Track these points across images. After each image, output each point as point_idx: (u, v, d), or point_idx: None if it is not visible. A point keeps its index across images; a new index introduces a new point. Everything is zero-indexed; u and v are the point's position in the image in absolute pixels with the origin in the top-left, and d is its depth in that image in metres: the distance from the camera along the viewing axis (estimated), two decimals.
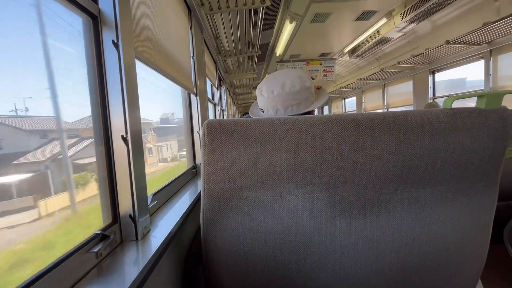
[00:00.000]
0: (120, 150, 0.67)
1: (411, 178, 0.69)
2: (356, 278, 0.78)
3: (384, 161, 0.65)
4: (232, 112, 5.59)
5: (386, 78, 5.46)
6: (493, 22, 2.53)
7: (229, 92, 5.16)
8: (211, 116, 2.27)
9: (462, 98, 0.72)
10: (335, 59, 5.31)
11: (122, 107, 0.66)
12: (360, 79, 5.62)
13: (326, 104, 1.16)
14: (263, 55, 4.57)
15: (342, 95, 8.05)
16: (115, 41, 0.66)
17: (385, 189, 0.70)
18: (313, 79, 5.38)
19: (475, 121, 0.65)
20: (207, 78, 2.20)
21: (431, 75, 4.32)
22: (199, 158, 1.74)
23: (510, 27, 2.58)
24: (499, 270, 1.48)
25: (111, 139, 0.67)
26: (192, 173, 1.59)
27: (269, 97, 0.89)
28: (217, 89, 3.24)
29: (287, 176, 0.66)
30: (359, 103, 6.97)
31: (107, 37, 0.66)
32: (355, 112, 7.93)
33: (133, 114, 0.69)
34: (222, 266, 0.73)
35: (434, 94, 4.37)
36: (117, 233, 0.67)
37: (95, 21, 0.65)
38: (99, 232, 0.60)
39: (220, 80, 3.52)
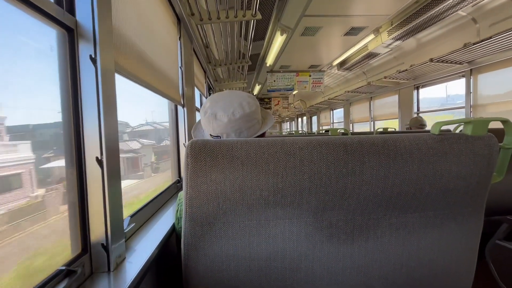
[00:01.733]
0: (93, 172, 0.62)
1: (399, 204, 0.67)
2: None
3: (373, 186, 0.63)
4: None
5: (373, 92, 5.61)
6: (473, 44, 2.65)
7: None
8: None
9: (448, 124, 0.72)
10: (324, 71, 5.42)
11: (97, 126, 0.61)
12: (348, 91, 5.74)
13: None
14: (254, 64, 4.59)
15: (331, 106, 8.19)
16: (93, 56, 0.61)
17: (374, 214, 0.69)
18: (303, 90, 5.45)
19: (462, 147, 0.65)
20: (195, 88, 2.16)
21: (416, 90, 4.47)
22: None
23: (488, 48, 2.71)
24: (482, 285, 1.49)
25: (84, 161, 0.61)
26: (176, 187, 1.53)
27: (230, 121, 0.80)
28: (206, 98, 3.20)
29: (274, 200, 0.63)
30: (347, 114, 7.11)
31: (84, 51, 0.61)
32: (342, 123, 8.10)
33: (110, 132, 0.64)
34: None
35: (418, 109, 4.52)
36: (86, 265, 0.61)
37: (70, 34, 0.60)
38: (63, 268, 0.53)
39: (209, 88, 3.49)
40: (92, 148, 0.61)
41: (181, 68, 1.64)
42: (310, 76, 5.36)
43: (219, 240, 0.66)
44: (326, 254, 0.71)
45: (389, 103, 5.35)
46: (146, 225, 0.97)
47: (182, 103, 1.63)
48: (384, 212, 0.69)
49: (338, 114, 8.08)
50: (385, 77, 4.25)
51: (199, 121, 0.93)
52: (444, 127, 0.69)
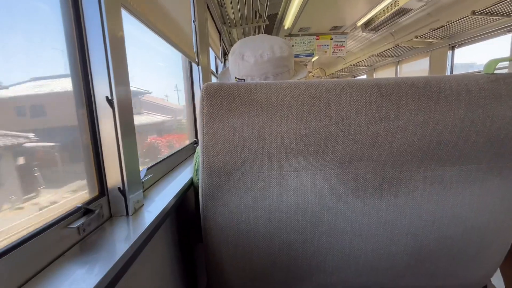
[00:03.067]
0: (105, 113, 0.59)
1: (437, 155, 0.60)
2: (366, 261, 0.73)
3: (409, 133, 0.56)
4: None
5: (401, 55, 5.16)
6: None
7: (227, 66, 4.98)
8: None
9: (506, 61, 0.61)
10: (347, 33, 5.00)
11: (105, 63, 0.57)
12: (373, 55, 5.33)
13: None
14: (271, 27, 4.31)
15: (352, 73, 7.73)
16: None
17: (407, 166, 0.62)
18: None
19: None
20: (210, 49, 2.06)
21: (450, 51, 4.04)
22: None
23: None
24: None
25: (94, 101, 0.58)
26: (193, 148, 1.52)
27: (257, 63, 0.75)
28: (222, 62, 3.08)
29: (296, 149, 0.57)
30: None
31: None
32: None
33: (119, 71, 0.59)
34: (222, 244, 0.69)
35: (452, 72, 4.12)
36: (104, 207, 0.60)
37: None
38: (80, 205, 0.53)
39: (225, 53, 3.35)
40: (102, 86, 0.57)
41: (194, 23, 1.53)
42: (331, 39, 4.98)
43: (237, 190, 0.63)
44: (351, 208, 0.66)
45: (418, 67, 4.93)
46: (163, 179, 0.97)
47: (197, 61, 1.55)
48: (419, 164, 0.62)
49: None
50: (416, 37, 3.85)
51: (226, 67, 0.89)
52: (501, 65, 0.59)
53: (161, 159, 1.04)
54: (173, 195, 0.76)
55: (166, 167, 1.05)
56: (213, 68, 2.33)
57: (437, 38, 3.91)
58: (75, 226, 0.49)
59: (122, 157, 0.60)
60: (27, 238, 0.41)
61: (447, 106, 0.54)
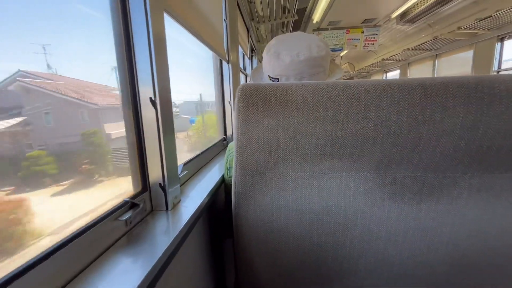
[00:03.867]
0: (148, 113, 0.62)
1: (487, 161, 0.55)
2: (401, 268, 0.70)
3: (455, 138, 0.52)
4: None
5: (439, 48, 4.79)
6: None
7: (260, 63, 4.97)
8: None
9: None
10: (379, 26, 4.74)
11: (149, 66, 0.60)
12: (408, 49, 5.01)
13: None
14: (299, 22, 4.22)
15: (384, 68, 7.34)
16: None
17: (451, 171, 0.58)
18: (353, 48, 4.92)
19: None
20: (239, 46, 2.07)
21: (499, 43, 3.66)
22: (230, 130, 1.69)
23: None
24: None
25: (138, 102, 0.61)
26: (222, 145, 1.55)
27: (292, 62, 0.73)
28: (249, 59, 3.09)
29: (331, 151, 0.56)
30: (404, 76, 6.32)
31: None
32: None
33: (161, 72, 0.62)
34: (252, 242, 0.70)
35: (499, 66, 3.74)
36: (147, 202, 0.64)
37: None
38: (128, 200, 0.57)
39: (252, 50, 3.35)
40: (146, 89, 0.61)
41: (225, 21, 1.55)
42: (362, 32, 4.76)
43: (270, 190, 0.63)
44: (387, 213, 0.64)
45: (459, 61, 4.54)
46: (196, 175, 1.00)
47: (227, 59, 1.57)
48: (465, 170, 0.57)
49: (393, 77, 7.23)
50: (458, 28, 3.54)
51: (260, 64, 0.88)
52: None
53: (195, 155, 1.08)
54: (207, 192, 0.79)
55: (198, 164, 1.08)
56: (240, 65, 2.35)
57: (483, 29, 3.57)
58: (123, 218, 0.53)
59: (163, 155, 0.63)
60: (87, 228, 0.46)
61: (501, 109, 0.49)
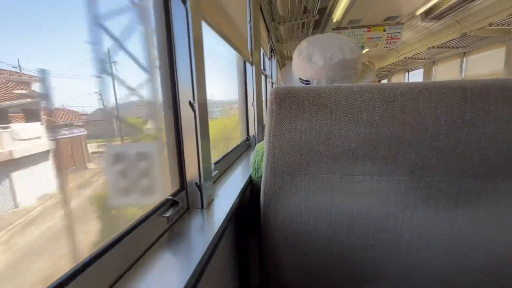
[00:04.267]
0: (187, 116, 0.65)
1: None
2: (434, 274, 0.68)
3: (497, 142, 0.51)
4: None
5: (468, 46, 4.55)
6: None
7: (278, 63, 4.96)
8: (263, 88, 2.19)
9: None
10: (403, 23, 4.58)
11: (189, 71, 0.63)
12: (433, 47, 4.80)
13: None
14: (318, 22, 4.17)
15: (406, 67, 7.07)
16: None
17: (490, 177, 0.56)
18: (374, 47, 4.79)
19: None
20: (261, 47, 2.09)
21: None
22: (252, 131, 1.71)
23: None
24: None
25: (178, 105, 0.65)
26: (245, 145, 1.58)
27: (326, 65, 0.71)
28: (269, 59, 3.10)
29: (364, 153, 0.57)
30: (427, 76, 6.06)
31: None
32: None
33: (200, 79, 0.65)
34: (280, 242, 0.71)
35: None
36: (184, 200, 0.68)
37: None
38: (170, 197, 0.60)
39: (271, 50, 3.36)
40: (185, 92, 0.64)
41: (249, 23, 1.57)
42: (384, 31, 4.62)
43: (299, 191, 0.64)
44: (419, 218, 0.63)
45: (490, 59, 4.30)
46: (224, 175, 1.03)
47: (251, 60, 1.60)
48: (505, 175, 0.56)
49: (416, 76, 6.96)
50: (490, 24, 3.35)
51: (288, 64, 0.88)
52: None
53: (224, 154, 1.11)
54: (238, 192, 0.81)
55: (225, 163, 1.11)
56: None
57: None
58: (166, 215, 0.56)
59: (200, 155, 0.66)
60: (137, 224, 0.49)
61: None
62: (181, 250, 0.51)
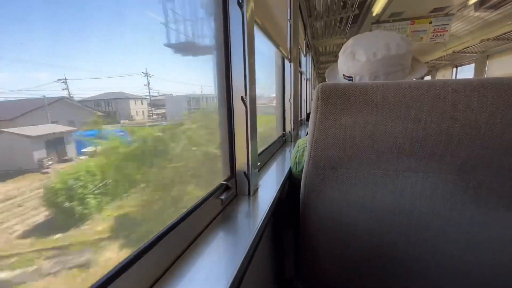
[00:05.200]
0: (239, 110, 0.71)
1: None
2: (481, 276, 0.66)
3: None
4: (314, 83, 5.31)
5: None
6: None
7: (313, 60, 4.88)
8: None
9: None
10: (452, 14, 4.21)
11: (243, 68, 0.68)
12: (487, 39, 4.34)
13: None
14: (357, 16, 4.01)
15: (454, 62, 6.49)
16: (240, 1, 0.66)
17: None
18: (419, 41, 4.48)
19: None
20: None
21: None
22: (289, 127, 1.74)
23: None
24: None
25: (232, 100, 0.71)
26: (282, 141, 1.62)
27: (368, 61, 0.72)
28: (304, 56, 3.08)
29: (410, 150, 0.57)
30: (480, 71, 5.50)
31: None
32: None
33: (251, 76, 0.71)
34: (320, 233, 0.73)
35: None
36: (233, 186, 0.74)
37: None
38: (224, 182, 0.67)
39: (307, 46, 3.33)
40: (239, 88, 0.70)
41: (289, 21, 1.60)
42: (430, 23, 4.29)
43: (340, 185, 0.66)
44: (467, 219, 0.61)
45: None
46: (264, 167, 1.09)
47: (289, 57, 1.62)
48: None
49: (465, 72, 6.35)
50: None
51: (334, 64, 0.90)
52: None
53: (265, 148, 1.17)
54: (280, 183, 0.85)
55: (265, 157, 1.17)
56: None
57: None
58: (222, 198, 0.63)
59: (250, 147, 0.72)
60: (199, 203, 0.56)
61: None
62: (234, 232, 0.55)
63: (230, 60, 0.69)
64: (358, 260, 0.73)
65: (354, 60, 0.76)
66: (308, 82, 3.78)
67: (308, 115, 3.47)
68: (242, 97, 0.70)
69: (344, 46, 0.82)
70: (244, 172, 0.74)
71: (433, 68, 7.68)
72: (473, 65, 5.76)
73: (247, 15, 0.66)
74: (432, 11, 4.18)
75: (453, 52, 5.53)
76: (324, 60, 6.80)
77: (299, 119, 2.20)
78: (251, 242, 0.52)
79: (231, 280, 0.41)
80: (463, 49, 5.16)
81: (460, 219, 0.61)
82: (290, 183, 1.03)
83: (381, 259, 0.71)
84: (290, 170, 1.03)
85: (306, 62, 3.23)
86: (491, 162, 0.54)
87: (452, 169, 0.58)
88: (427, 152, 0.57)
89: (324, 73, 0.92)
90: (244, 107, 0.70)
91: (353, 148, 0.61)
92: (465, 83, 0.51)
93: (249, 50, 0.68)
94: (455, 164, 0.57)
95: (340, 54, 0.83)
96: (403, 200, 0.64)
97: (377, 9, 3.76)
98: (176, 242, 0.48)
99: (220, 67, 0.69)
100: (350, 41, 0.80)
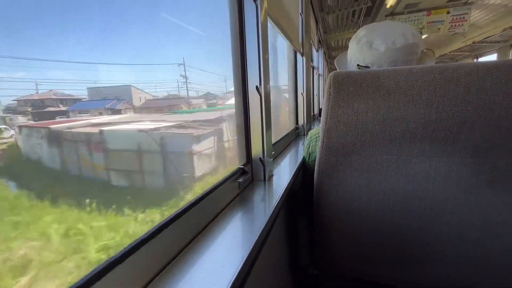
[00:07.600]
0: (254, 100, 0.75)
1: None
2: (500, 260, 0.65)
3: None
4: (325, 78, 5.27)
5: None
6: None
7: (325, 55, 4.83)
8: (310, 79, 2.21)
9: None
10: (472, 2, 4.04)
11: (257, 58, 0.72)
12: (511, 27, 4.13)
13: None
14: (370, 8, 3.93)
15: (474, 53, 6.22)
16: None
17: None
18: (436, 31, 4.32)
19: None
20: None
21: None
22: (301, 120, 1.76)
23: None
24: None
25: (247, 89, 0.75)
26: (294, 134, 1.64)
27: (388, 50, 0.72)
28: (317, 51, 3.07)
29: (422, 134, 0.58)
30: None
31: None
32: None
33: (265, 66, 0.74)
34: (333, 219, 0.74)
35: None
36: (249, 172, 0.78)
37: None
38: (241, 167, 0.71)
39: (319, 41, 3.32)
40: (253, 78, 0.73)
41: (301, 15, 1.62)
42: (448, 13, 4.13)
43: (353, 171, 0.67)
44: (483, 201, 0.61)
45: None
46: (278, 157, 1.12)
47: (302, 51, 1.64)
48: None
49: None
50: None
51: (343, 53, 0.92)
52: None
53: (279, 138, 1.20)
54: (294, 171, 0.88)
55: (279, 147, 1.20)
56: None
57: None
58: (239, 181, 0.67)
59: (265, 134, 0.76)
60: (218, 184, 0.61)
61: None
62: (251, 214, 0.59)
63: (246, 51, 0.73)
64: (372, 246, 0.74)
65: (371, 50, 0.76)
66: (320, 77, 3.75)
67: (320, 110, 3.46)
68: (256, 86, 0.73)
69: (355, 36, 0.82)
70: (260, 158, 0.78)
71: (451, 60, 7.39)
72: (495, 55, 5.50)
73: (260, 8, 0.69)
74: (450, 0, 4.03)
75: (473, 42, 5.31)
76: (336, 55, 6.70)
77: (312, 114, 2.20)
78: (266, 221, 0.55)
79: (249, 250, 0.45)
80: (484, 38, 4.94)
81: (475, 203, 0.61)
82: (304, 173, 1.06)
83: (395, 245, 0.72)
84: (303, 161, 1.06)
85: (318, 57, 3.22)
86: (505, 144, 0.54)
87: (466, 153, 0.58)
88: (440, 136, 0.57)
89: (335, 68, 0.93)
90: (258, 96, 0.74)
91: (366, 134, 0.62)
92: (478, 65, 0.52)
93: (263, 41, 0.71)
94: (469, 147, 0.57)
95: (352, 44, 0.83)
96: (416, 185, 0.64)
97: (391, 0, 3.67)
98: (200, 217, 0.52)
99: (236, 58, 0.73)
100: (363, 30, 0.81)
